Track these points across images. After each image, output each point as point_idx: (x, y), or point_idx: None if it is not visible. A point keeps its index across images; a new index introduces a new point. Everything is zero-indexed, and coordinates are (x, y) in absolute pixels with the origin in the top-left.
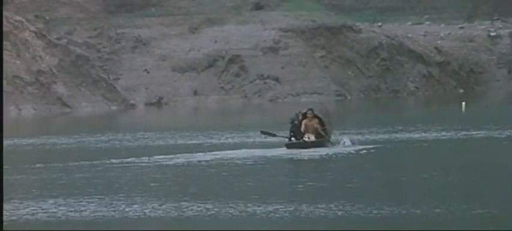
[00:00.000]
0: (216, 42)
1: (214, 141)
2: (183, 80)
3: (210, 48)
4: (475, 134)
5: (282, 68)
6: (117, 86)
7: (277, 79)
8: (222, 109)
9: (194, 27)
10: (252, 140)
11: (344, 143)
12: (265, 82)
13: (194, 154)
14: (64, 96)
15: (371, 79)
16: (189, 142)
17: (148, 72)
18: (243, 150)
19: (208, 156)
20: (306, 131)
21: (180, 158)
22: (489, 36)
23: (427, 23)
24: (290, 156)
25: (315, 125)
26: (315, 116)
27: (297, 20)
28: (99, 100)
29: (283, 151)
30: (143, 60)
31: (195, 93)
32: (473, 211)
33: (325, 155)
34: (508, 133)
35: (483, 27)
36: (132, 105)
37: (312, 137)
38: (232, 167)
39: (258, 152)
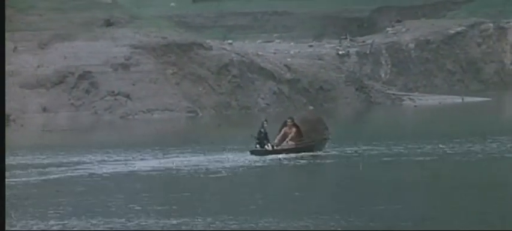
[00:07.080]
0: (65, 58)
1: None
2: (32, 96)
3: (60, 64)
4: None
5: (133, 85)
6: None
7: (128, 96)
8: (73, 126)
9: (43, 43)
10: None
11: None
12: (115, 99)
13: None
14: None
15: (222, 95)
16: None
17: None
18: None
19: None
20: (285, 138)
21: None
22: (338, 54)
23: (277, 41)
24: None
25: (292, 134)
26: (294, 125)
27: (147, 37)
28: None
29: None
30: None
31: (44, 109)
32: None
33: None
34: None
35: (332, 45)
36: None
37: (291, 144)
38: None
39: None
